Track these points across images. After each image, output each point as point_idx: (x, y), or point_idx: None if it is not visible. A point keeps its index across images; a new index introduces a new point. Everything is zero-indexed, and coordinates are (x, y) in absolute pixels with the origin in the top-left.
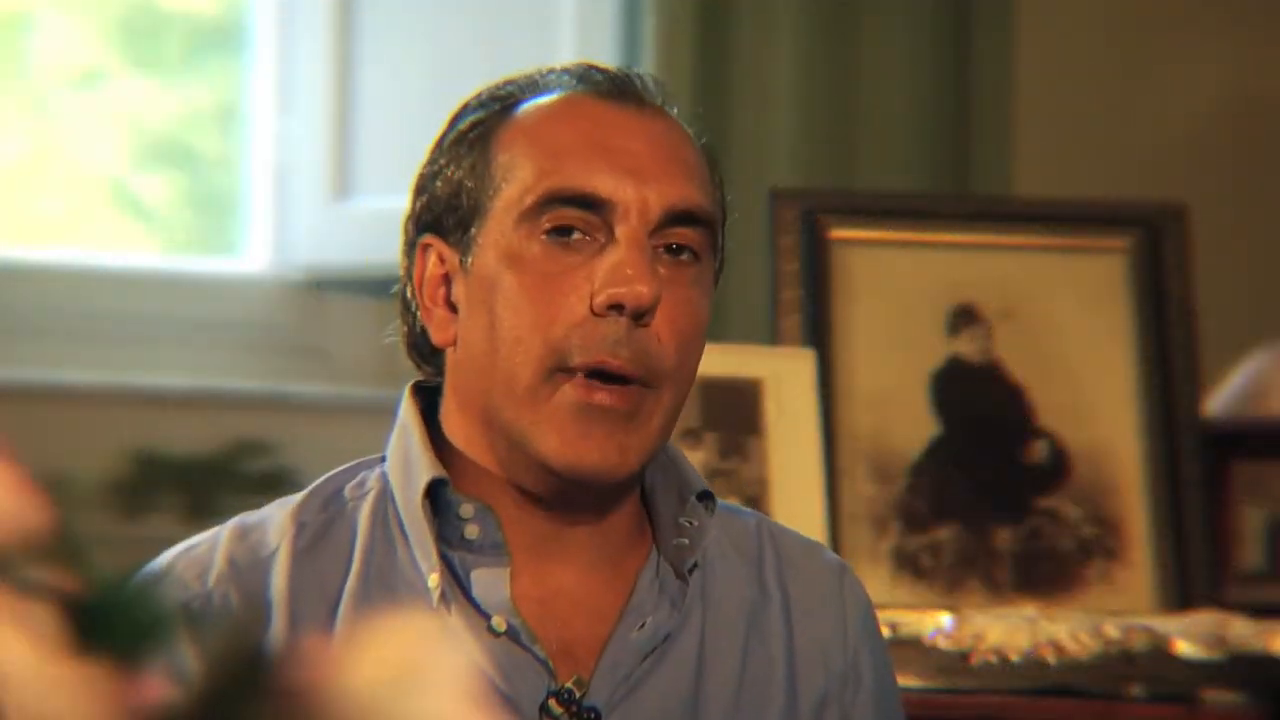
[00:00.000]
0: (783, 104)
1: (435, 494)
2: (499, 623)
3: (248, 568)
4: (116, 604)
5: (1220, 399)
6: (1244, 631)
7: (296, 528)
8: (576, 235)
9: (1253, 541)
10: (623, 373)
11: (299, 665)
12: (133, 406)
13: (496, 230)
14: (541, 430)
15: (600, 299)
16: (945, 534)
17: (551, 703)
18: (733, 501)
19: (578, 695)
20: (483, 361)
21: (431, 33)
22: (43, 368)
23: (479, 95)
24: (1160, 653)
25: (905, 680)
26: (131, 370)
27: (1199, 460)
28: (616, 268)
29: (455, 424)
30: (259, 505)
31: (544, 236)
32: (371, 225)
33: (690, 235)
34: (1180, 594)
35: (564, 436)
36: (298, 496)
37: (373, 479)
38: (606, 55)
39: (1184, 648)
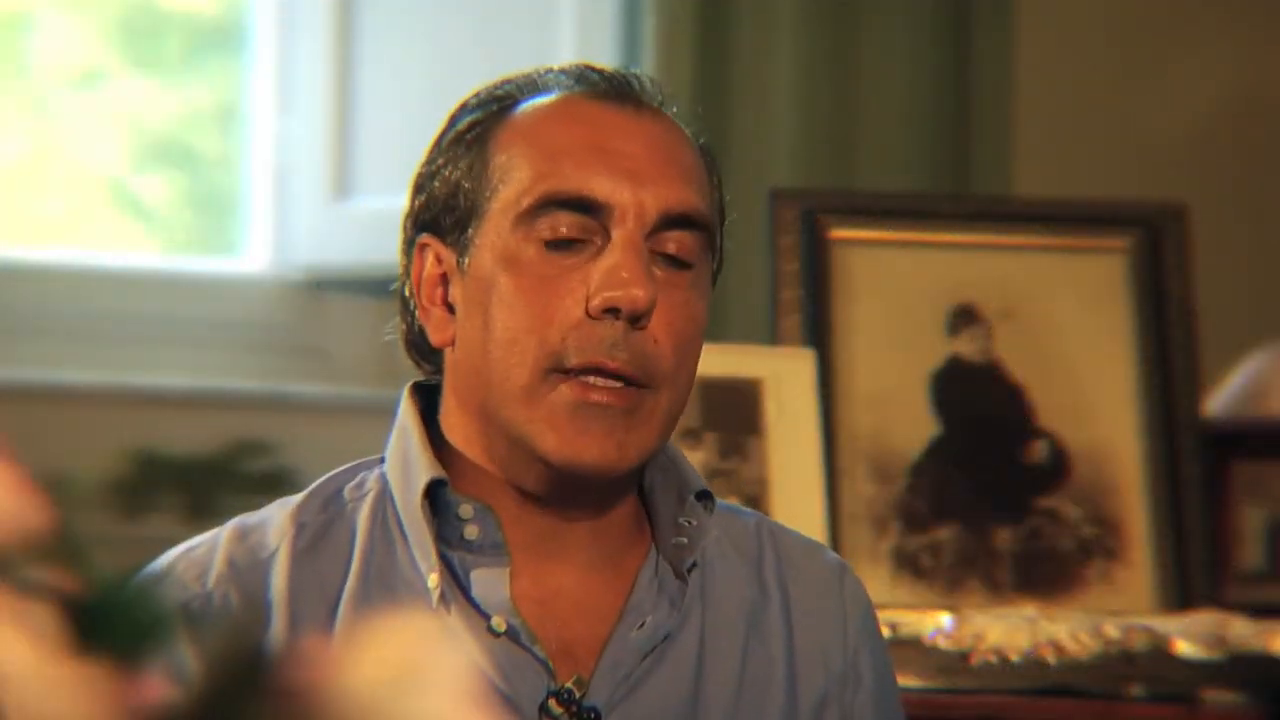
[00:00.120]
0: (783, 104)
1: (434, 494)
2: (499, 623)
3: (247, 568)
4: (116, 604)
5: (1220, 399)
6: (1244, 631)
7: (296, 528)
8: (573, 240)
9: (1253, 541)
10: (620, 373)
11: (299, 665)
12: (133, 406)
13: (493, 231)
14: (539, 428)
15: (596, 302)
16: (945, 534)
17: (551, 703)
18: (733, 501)
19: (577, 695)
20: (480, 362)
21: (431, 33)
22: (43, 368)
23: (477, 95)
24: (1160, 653)
25: (905, 680)
26: (131, 370)
27: (1199, 460)
28: (612, 271)
29: (454, 423)
30: (259, 505)
31: (540, 240)
32: (371, 225)
33: (687, 238)
34: (1180, 594)
35: (562, 434)
36: (297, 497)
37: (372, 479)
38: (606, 55)
39: (1184, 648)
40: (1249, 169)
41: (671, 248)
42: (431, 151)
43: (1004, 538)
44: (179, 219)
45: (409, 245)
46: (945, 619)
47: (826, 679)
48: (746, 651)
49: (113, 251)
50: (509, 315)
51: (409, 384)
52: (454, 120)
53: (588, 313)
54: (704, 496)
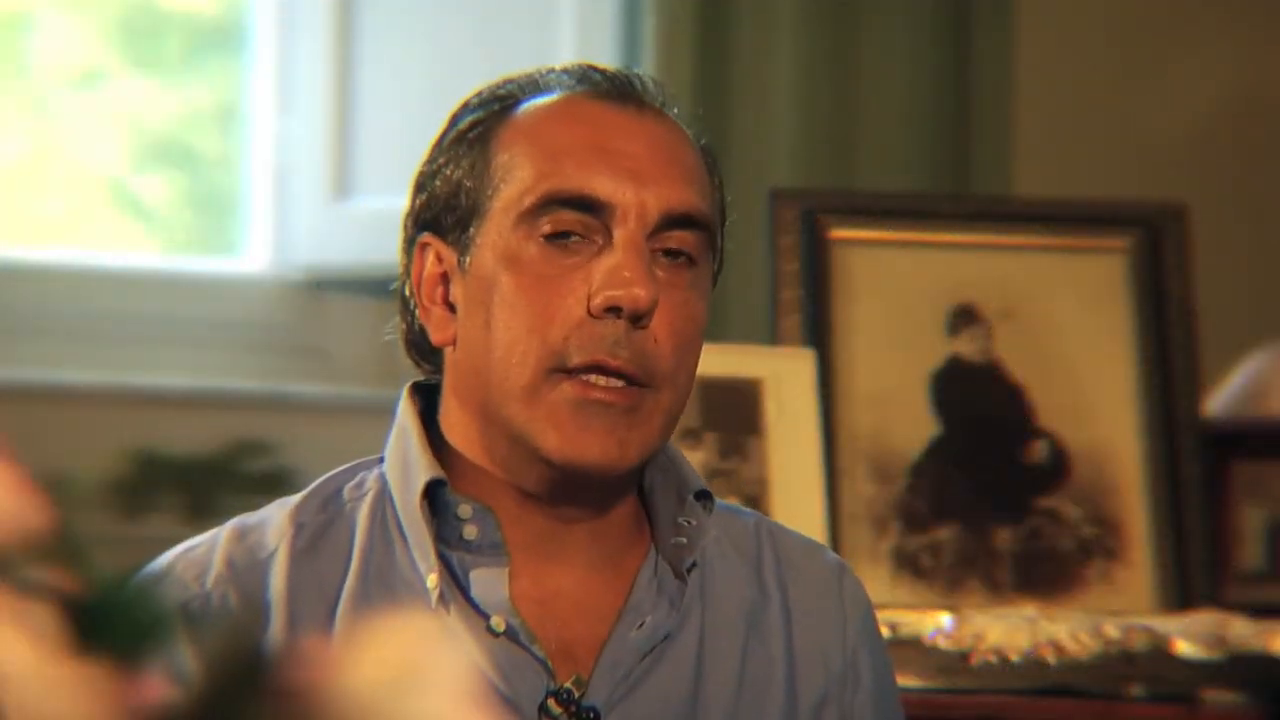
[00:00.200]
0: (783, 104)
1: (434, 494)
2: (498, 623)
3: (246, 569)
4: (116, 604)
5: (1220, 399)
6: (1244, 631)
7: (295, 528)
8: (574, 238)
9: (1253, 541)
10: (622, 372)
11: (298, 665)
12: (133, 406)
13: (495, 231)
14: (541, 426)
15: (598, 301)
16: (945, 534)
17: (551, 702)
18: (733, 501)
19: (577, 695)
20: (481, 361)
21: (431, 33)
22: (43, 368)
23: (479, 94)
24: (1160, 653)
25: (905, 680)
26: (131, 370)
27: (1199, 460)
28: (614, 270)
29: (454, 423)
30: (259, 505)
31: (542, 239)
32: (371, 225)
33: (688, 238)
34: (1180, 594)
35: (563, 431)
36: (296, 497)
37: (371, 479)
38: (606, 55)
39: (1184, 648)
40: (1249, 169)
41: (673, 248)
42: (433, 150)
43: (1004, 538)
44: (179, 219)
45: (409, 244)
46: (945, 619)
47: (826, 679)
48: (746, 651)
49: (113, 251)
50: (511, 314)
51: (408, 384)
52: (455, 119)
53: (589, 312)
54: (703, 496)
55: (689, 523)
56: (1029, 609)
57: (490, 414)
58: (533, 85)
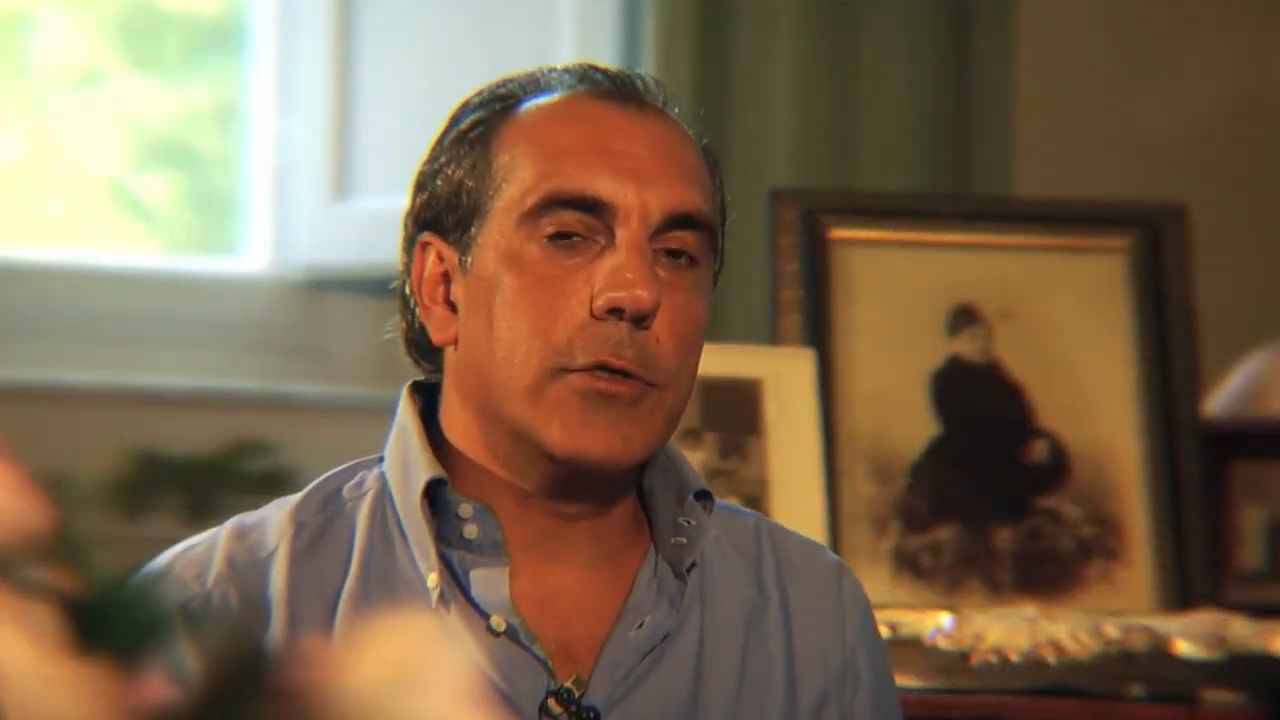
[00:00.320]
0: (783, 104)
1: (434, 494)
2: (498, 622)
3: (246, 568)
4: (116, 604)
5: (1220, 399)
6: (1244, 631)
7: (295, 528)
8: (576, 239)
9: (1253, 541)
10: (626, 370)
11: (298, 665)
12: (133, 406)
13: (496, 231)
14: (545, 421)
15: (600, 303)
16: (945, 534)
17: (551, 702)
18: (733, 501)
19: (577, 695)
20: (483, 361)
21: (431, 33)
22: (43, 368)
23: (480, 93)
24: (1160, 653)
25: (905, 680)
26: (131, 370)
27: (1199, 460)
28: (616, 272)
29: (455, 422)
30: (259, 505)
31: (544, 239)
32: (371, 225)
33: (690, 239)
34: (1180, 594)
35: (568, 426)
36: (296, 497)
37: (371, 479)
38: (606, 55)
39: (1184, 648)
40: (1249, 169)
41: (675, 248)
42: (434, 150)
43: (1004, 538)
44: (179, 219)
45: (410, 243)
46: (945, 619)
47: (825, 679)
48: (746, 651)
49: (113, 251)
50: (513, 315)
51: (408, 383)
52: (456, 119)
53: (592, 313)
54: (703, 496)
55: (689, 523)
56: (1029, 609)
57: (492, 412)
58: (534, 85)
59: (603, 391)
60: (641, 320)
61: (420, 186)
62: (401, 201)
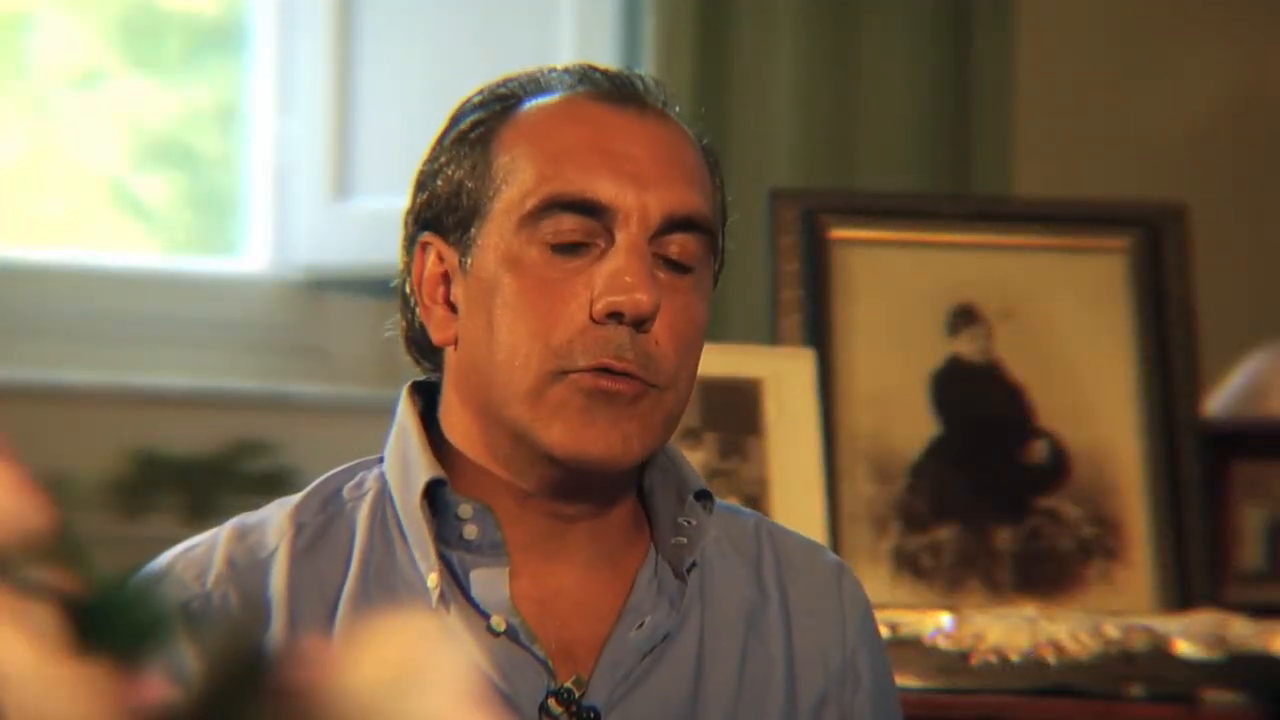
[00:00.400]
0: (783, 104)
1: (434, 494)
2: (498, 622)
3: (246, 568)
4: (116, 604)
5: (1220, 399)
6: (1244, 631)
7: (295, 528)
8: (576, 245)
9: (1253, 541)
10: (627, 373)
11: (298, 665)
12: (133, 406)
13: (496, 232)
14: (545, 421)
15: (600, 306)
16: (945, 534)
17: (551, 702)
18: (733, 501)
19: (577, 695)
20: (484, 362)
21: (431, 33)
22: (43, 368)
23: (480, 94)
24: (1160, 653)
25: (905, 680)
26: (131, 370)
27: (1199, 460)
28: (616, 275)
29: (455, 422)
30: (259, 505)
31: (544, 244)
32: (371, 225)
33: (690, 241)
34: (1180, 594)
35: (569, 425)
36: (296, 497)
37: (371, 479)
38: (606, 55)
39: (1184, 648)
40: (1249, 169)
41: (674, 251)
42: (434, 149)
43: (1004, 538)
44: (179, 219)
45: (410, 243)
46: (945, 619)
47: (825, 679)
48: (746, 651)
49: (113, 251)
50: (513, 318)
51: (408, 383)
52: (457, 119)
53: (592, 317)
54: (703, 496)
55: (689, 523)
56: (1029, 609)
57: (492, 413)
58: (534, 85)
59: (604, 389)
60: (641, 324)
61: (420, 186)
62: (401, 201)
